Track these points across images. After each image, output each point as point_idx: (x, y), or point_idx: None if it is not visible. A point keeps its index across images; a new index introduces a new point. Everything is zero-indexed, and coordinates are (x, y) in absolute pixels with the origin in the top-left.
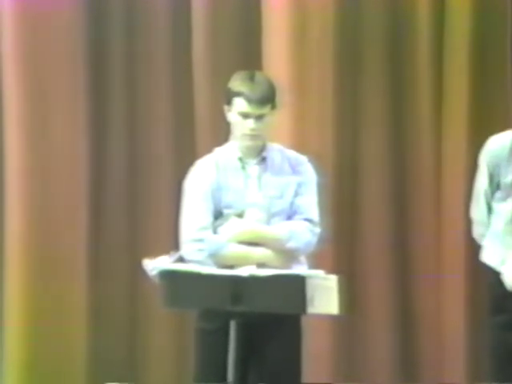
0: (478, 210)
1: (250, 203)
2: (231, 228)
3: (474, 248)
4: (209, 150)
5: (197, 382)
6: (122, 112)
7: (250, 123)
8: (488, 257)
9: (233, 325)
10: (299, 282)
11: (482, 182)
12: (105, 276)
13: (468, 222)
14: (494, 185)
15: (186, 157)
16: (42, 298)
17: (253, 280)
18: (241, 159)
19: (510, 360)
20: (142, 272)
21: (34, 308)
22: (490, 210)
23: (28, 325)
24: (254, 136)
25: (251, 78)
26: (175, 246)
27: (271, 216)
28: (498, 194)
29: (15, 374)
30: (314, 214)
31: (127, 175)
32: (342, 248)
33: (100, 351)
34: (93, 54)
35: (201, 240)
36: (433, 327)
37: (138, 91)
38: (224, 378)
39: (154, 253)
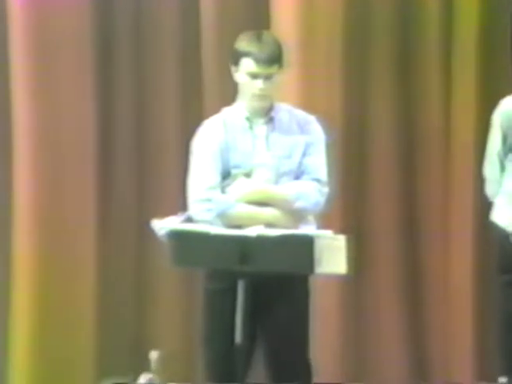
0: (491, 169)
1: (258, 163)
2: (239, 188)
3: (482, 207)
4: (216, 110)
5: (205, 342)
6: (130, 71)
7: (259, 83)
8: (498, 217)
9: (241, 285)
10: (307, 241)
11: (495, 143)
12: (113, 236)
13: (477, 181)
14: (508, 146)
15: (193, 117)
16: (50, 259)
17: (261, 240)
18: (248, 119)
19: None
20: (151, 232)
21: (42, 268)
22: (503, 168)
23: (36, 284)
24: (262, 96)
25: (259, 38)
26: (183, 206)
27: (279, 176)
28: (511, 155)
29: (24, 333)
30: (323, 173)
31: (135, 136)
32: (350, 208)
33: (108, 310)
34: (99, 16)
35: (209, 200)
36: (440, 285)
37: (145, 52)
38: (232, 338)
39: (162, 213)
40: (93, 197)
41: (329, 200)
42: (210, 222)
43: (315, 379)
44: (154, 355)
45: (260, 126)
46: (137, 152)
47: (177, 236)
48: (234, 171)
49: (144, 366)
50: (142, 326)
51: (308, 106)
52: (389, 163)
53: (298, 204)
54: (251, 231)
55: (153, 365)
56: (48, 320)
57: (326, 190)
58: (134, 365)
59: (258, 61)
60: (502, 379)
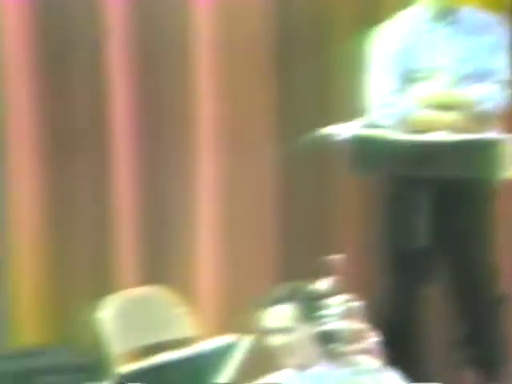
0: None
1: (439, 66)
2: (420, 92)
3: None
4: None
5: (383, 246)
6: None
7: None
8: None
9: (421, 190)
10: (491, 146)
11: None
12: (291, 144)
13: None
14: None
15: (369, 20)
16: (233, 170)
17: (442, 145)
18: (430, 21)
19: None
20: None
21: (225, 169)
22: None
23: (222, 187)
24: None
25: None
26: (361, 111)
27: (461, 79)
28: None
29: (209, 233)
30: (506, 75)
31: (308, 36)
32: None
33: (288, 216)
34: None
35: (389, 105)
36: None
37: None
38: (410, 242)
39: (340, 118)
40: (271, 96)
41: None
42: (391, 127)
43: (500, 287)
44: (334, 260)
45: (441, 28)
46: (311, 54)
47: (357, 141)
48: (414, 75)
49: (324, 271)
50: (323, 231)
51: (490, 7)
52: None
53: (481, 107)
54: (432, 136)
55: (333, 269)
56: (231, 225)
57: (509, 91)
58: (314, 270)
59: None
60: None
